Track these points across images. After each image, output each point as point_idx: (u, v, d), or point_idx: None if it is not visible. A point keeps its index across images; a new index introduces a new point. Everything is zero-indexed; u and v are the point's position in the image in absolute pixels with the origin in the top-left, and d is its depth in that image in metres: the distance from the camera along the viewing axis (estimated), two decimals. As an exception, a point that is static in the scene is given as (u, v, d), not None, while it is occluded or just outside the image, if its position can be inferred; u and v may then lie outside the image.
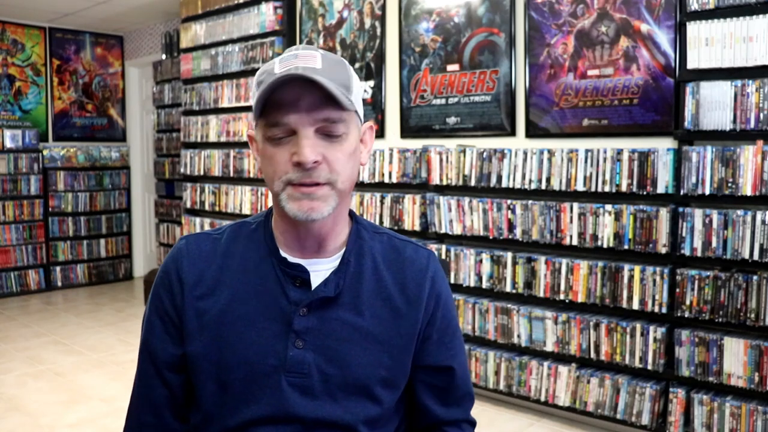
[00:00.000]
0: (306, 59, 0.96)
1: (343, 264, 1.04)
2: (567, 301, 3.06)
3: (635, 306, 2.84)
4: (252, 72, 4.56)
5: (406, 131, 3.82)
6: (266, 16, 4.45)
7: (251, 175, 4.59)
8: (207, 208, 4.99)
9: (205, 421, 1.04)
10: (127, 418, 1.11)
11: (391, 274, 1.07)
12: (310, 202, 0.96)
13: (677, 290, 2.72)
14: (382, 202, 3.72)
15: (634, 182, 2.85)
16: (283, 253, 1.04)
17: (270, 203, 4.69)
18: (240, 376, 1.00)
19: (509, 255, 3.23)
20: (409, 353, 1.06)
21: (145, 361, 1.07)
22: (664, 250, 2.76)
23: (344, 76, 0.98)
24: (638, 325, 2.84)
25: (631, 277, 2.85)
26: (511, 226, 3.22)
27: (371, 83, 4.00)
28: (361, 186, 3.85)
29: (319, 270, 1.04)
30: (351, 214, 1.10)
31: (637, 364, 2.85)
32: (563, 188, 3.05)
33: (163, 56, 6.21)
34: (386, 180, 3.73)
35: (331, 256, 1.06)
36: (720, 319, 2.61)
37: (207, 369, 1.01)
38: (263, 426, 1.00)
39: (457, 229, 3.41)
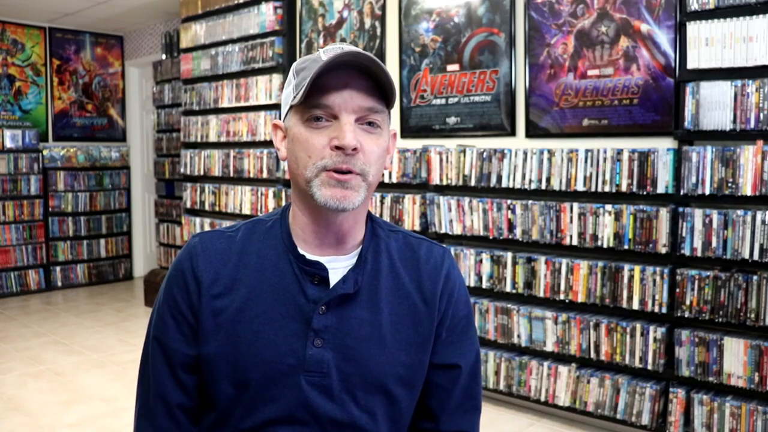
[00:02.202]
0: (353, 51, 0.97)
1: (360, 261, 1.03)
2: (567, 301, 3.06)
3: (635, 306, 2.84)
4: (252, 72, 4.56)
5: (406, 131, 3.82)
6: (266, 16, 4.45)
7: (251, 175, 4.58)
8: (207, 208, 4.98)
9: (219, 422, 1.02)
10: (139, 422, 1.06)
11: (408, 272, 1.07)
12: (343, 190, 0.95)
13: (677, 290, 2.72)
14: (382, 202, 3.72)
15: (634, 182, 2.85)
16: (300, 250, 1.03)
17: (270, 205, 4.67)
18: (258, 376, 0.98)
19: (509, 255, 3.23)
20: (426, 352, 1.06)
21: (159, 362, 1.03)
22: (664, 250, 2.76)
23: (389, 74, 0.98)
24: (638, 325, 2.84)
25: (631, 277, 2.85)
26: (511, 226, 3.22)
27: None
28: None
29: (337, 268, 1.03)
30: (367, 212, 1.10)
31: (637, 364, 2.85)
32: (563, 188, 3.05)
33: (163, 56, 6.21)
34: (386, 180, 3.73)
35: (348, 254, 1.04)
36: (720, 319, 2.61)
37: (223, 369, 0.99)
38: (280, 426, 0.99)
39: (457, 229, 3.41)
